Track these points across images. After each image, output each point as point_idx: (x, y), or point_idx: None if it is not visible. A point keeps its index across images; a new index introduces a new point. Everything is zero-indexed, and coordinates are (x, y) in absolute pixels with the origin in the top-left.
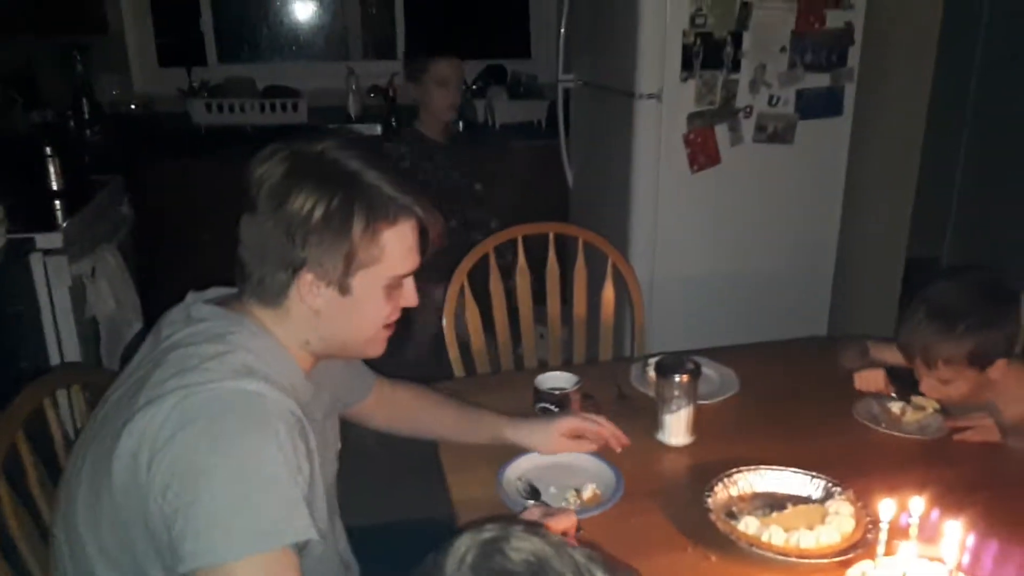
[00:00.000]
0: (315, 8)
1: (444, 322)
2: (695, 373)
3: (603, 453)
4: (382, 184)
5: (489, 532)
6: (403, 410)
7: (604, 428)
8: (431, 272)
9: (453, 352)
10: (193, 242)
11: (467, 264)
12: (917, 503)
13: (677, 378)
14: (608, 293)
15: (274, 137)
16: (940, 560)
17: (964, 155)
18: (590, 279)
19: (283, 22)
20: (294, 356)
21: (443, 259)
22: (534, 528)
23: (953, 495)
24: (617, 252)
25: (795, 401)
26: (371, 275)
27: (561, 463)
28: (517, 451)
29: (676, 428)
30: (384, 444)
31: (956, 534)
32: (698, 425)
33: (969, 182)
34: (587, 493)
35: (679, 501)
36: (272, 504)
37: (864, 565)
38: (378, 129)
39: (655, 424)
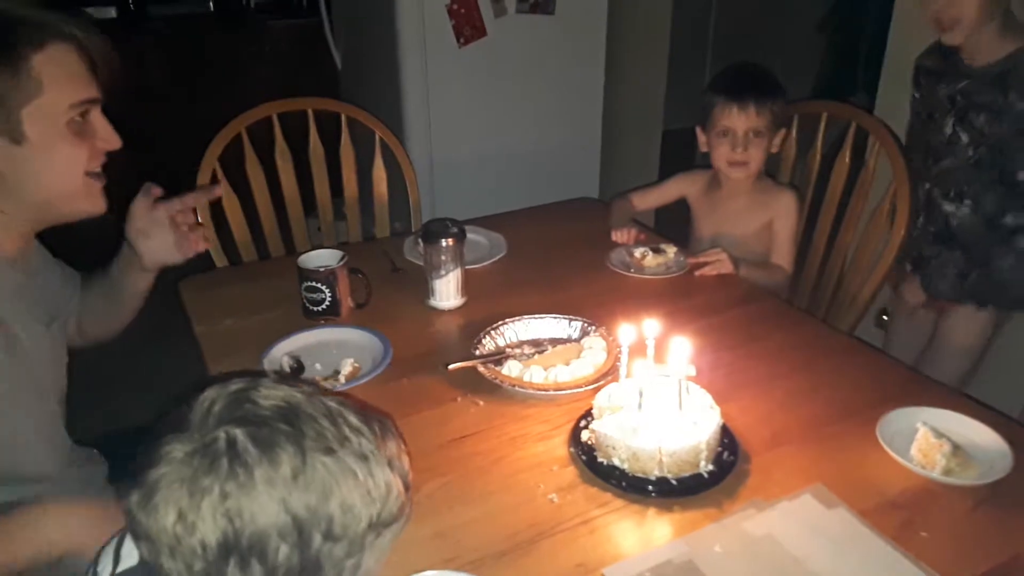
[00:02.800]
0: None
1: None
2: (460, 236)
3: (372, 324)
4: (9, 7)
5: (237, 384)
6: (89, 309)
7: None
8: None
9: (211, 241)
10: None
11: (217, 148)
12: (651, 326)
13: (443, 243)
14: (378, 170)
15: None
16: (671, 375)
17: (713, 31)
18: (361, 158)
19: None
20: None
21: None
22: (283, 379)
23: (690, 320)
24: (384, 127)
25: (558, 257)
26: (41, 111)
27: (330, 339)
28: (283, 332)
29: (445, 292)
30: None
31: (682, 350)
32: (467, 287)
33: (718, 58)
34: (346, 369)
35: (450, 358)
36: None
37: (610, 388)
38: (112, 12)
39: (427, 292)
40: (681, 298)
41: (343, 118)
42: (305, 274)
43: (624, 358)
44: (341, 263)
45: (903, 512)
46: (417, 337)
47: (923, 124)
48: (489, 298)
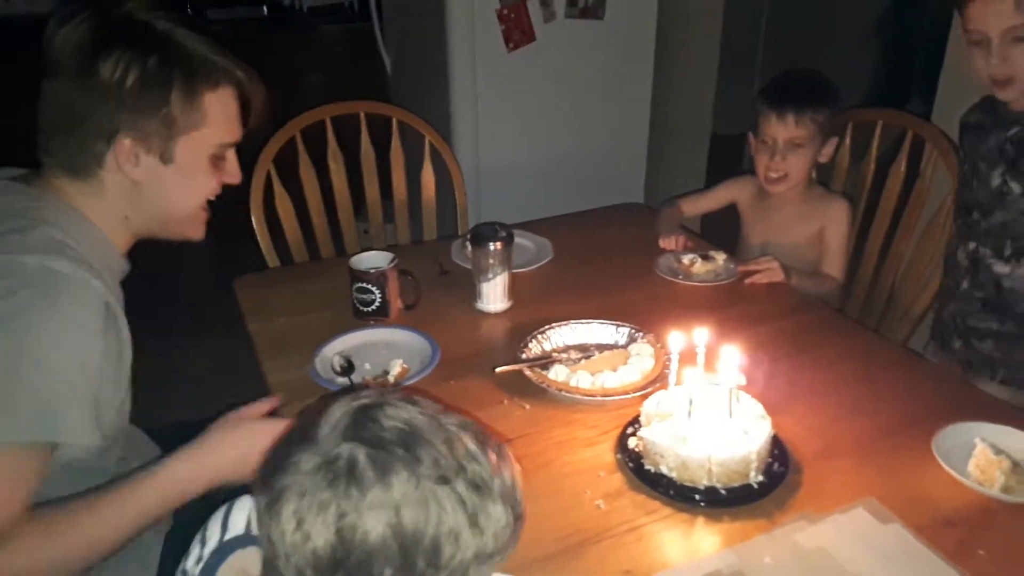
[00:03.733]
0: None
1: (252, 210)
2: (508, 240)
3: (421, 326)
4: (199, 46)
5: (365, 399)
6: None
7: None
8: None
9: (264, 241)
10: None
11: (272, 150)
12: (701, 333)
13: (491, 246)
14: (427, 173)
15: None
16: (722, 383)
17: (764, 36)
18: (410, 161)
19: None
20: (108, 233)
21: None
22: (410, 398)
23: (739, 329)
24: (433, 131)
25: (605, 262)
26: (195, 141)
27: (379, 340)
28: (333, 332)
29: (493, 295)
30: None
31: (733, 358)
32: (514, 291)
33: (769, 63)
34: (395, 369)
35: (496, 361)
36: (42, 395)
37: (659, 395)
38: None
39: (475, 295)
40: (731, 306)
41: (394, 121)
42: (356, 275)
43: (674, 365)
44: (391, 265)
45: (960, 530)
46: (464, 339)
47: (966, 180)
48: (536, 302)
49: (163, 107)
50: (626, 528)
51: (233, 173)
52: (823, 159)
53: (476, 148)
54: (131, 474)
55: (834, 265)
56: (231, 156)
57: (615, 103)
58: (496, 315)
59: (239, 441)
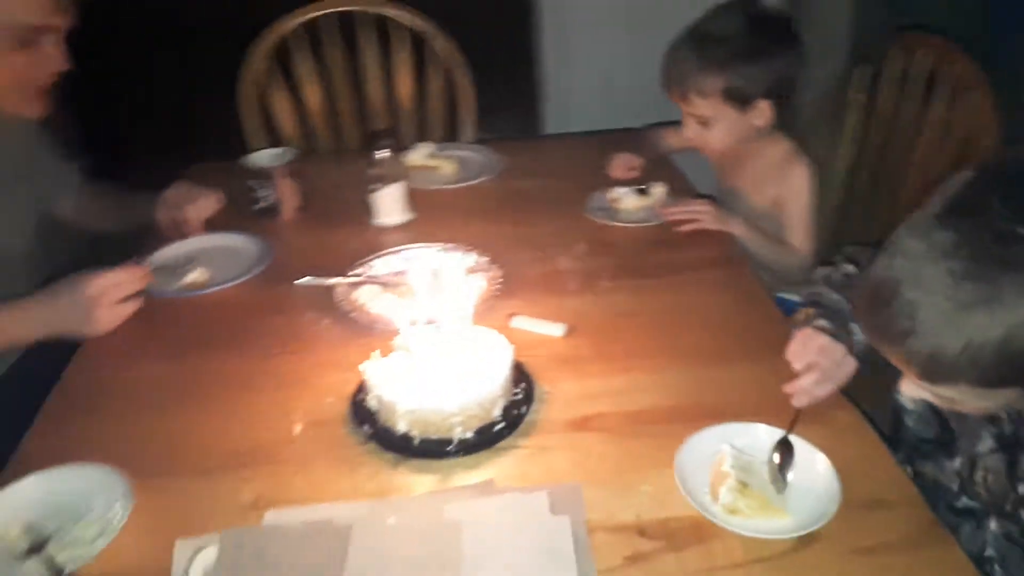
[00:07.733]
0: None
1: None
2: (394, 149)
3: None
4: None
5: None
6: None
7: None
8: None
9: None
10: None
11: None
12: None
13: (376, 155)
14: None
15: None
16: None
17: None
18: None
19: None
20: None
21: None
22: None
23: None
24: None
25: (550, 189)
26: None
27: (215, 246)
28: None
29: (384, 207)
30: None
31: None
32: (432, 206)
33: None
34: (192, 276)
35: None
36: None
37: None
38: None
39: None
40: (618, 252)
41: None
42: (250, 172)
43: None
44: (284, 163)
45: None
46: (337, 249)
47: None
48: (447, 220)
49: None
50: (303, 458)
51: (56, 60)
52: (760, 123)
53: None
54: None
55: (795, 236)
56: (53, 44)
57: None
58: (389, 229)
59: (67, 290)
